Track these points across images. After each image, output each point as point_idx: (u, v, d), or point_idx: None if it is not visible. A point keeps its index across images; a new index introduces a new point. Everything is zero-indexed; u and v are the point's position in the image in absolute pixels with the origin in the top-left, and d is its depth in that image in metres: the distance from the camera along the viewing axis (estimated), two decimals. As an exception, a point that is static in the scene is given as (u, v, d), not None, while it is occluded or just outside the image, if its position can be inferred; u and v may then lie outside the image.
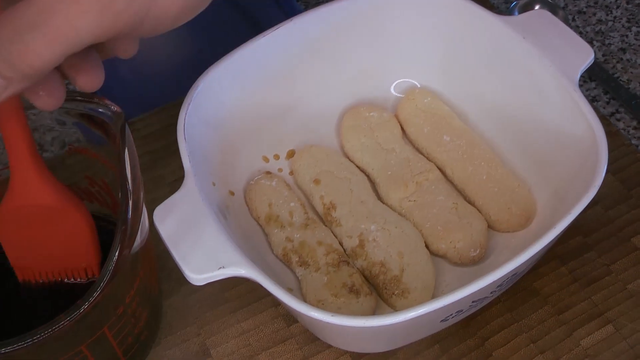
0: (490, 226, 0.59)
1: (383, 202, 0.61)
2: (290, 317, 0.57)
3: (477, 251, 0.57)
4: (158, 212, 0.49)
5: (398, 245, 0.56)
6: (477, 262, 0.57)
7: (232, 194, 0.59)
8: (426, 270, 0.56)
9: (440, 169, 0.62)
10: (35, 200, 0.48)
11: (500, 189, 0.59)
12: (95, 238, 0.50)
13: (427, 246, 0.58)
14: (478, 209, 0.59)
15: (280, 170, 0.63)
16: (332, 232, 0.59)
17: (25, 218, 0.49)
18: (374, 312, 0.55)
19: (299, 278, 0.56)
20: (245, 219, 0.59)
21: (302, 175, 0.61)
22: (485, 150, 0.61)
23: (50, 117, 0.50)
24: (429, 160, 0.62)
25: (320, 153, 0.62)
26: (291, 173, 0.63)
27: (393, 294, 0.55)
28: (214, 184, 0.56)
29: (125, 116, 0.69)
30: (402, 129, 0.65)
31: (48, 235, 0.50)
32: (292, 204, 0.59)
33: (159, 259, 0.60)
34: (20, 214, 0.49)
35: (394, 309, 0.55)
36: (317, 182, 0.60)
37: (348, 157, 0.63)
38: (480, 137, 0.63)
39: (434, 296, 0.55)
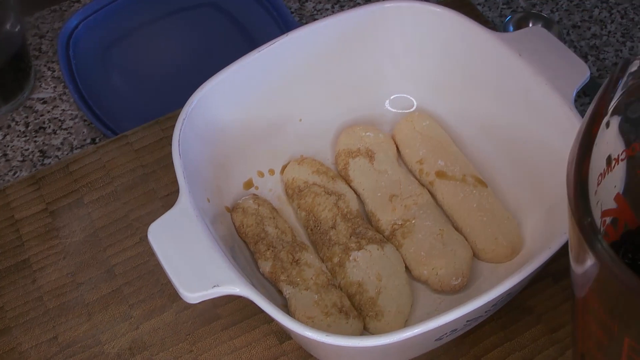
0: (475, 255, 0.58)
1: (370, 223, 0.60)
2: (282, 334, 0.56)
3: (459, 280, 0.56)
4: (153, 228, 0.49)
5: (377, 267, 0.56)
6: (458, 291, 0.56)
7: (228, 209, 0.59)
8: (402, 295, 0.55)
9: (431, 194, 0.61)
10: None
11: (489, 219, 0.58)
12: None
13: (409, 271, 0.57)
14: (465, 237, 0.58)
15: (270, 190, 0.62)
16: (315, 248, 0.58)
17: None
18: (361, 334, 0.54)
19: (287, 296, 0.55)
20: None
21: (292, 186, 0.61)
22: (479, 178, 0.61)
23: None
24: (421, 184, 0.62)
25: (313, 165, 0.62)
26: (287, 185, 0.62)
27: (367, 315, 0.54)
28: (208, 200, 0.55)
29: (119, 130, 0.69)
30: (398, 150, 0.64)
31: None
32: (278, 227, 0.58)
33: (152, 274, 0.60)
34: None
35: (367, 330, 0.54)
36: (304, 194, 0.60)
37: (340, 175, 0.63)
38: (475, 163, 0.62)
39: (408, 322, 0.55)
